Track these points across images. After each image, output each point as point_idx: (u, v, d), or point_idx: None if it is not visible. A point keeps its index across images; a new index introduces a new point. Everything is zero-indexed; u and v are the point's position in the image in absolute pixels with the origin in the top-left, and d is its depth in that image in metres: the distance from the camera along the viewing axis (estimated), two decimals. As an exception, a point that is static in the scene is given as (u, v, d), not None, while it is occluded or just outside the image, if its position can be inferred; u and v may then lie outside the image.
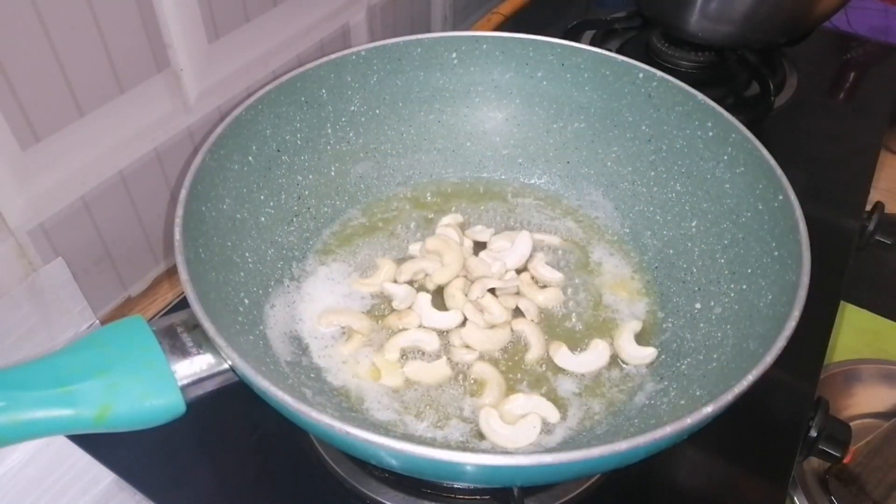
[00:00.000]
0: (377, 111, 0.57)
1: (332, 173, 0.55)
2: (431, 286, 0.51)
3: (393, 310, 0.49)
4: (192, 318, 0.37)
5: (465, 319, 0.48)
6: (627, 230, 0.55)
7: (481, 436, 0.43)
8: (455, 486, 0.45)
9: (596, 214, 0.57)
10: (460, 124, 0.59)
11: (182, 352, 0.36)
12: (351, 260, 0.53)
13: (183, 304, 0.38)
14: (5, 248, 0.45)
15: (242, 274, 0.46)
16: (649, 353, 0.47)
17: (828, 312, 0.57)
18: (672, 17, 0.73)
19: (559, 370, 0.47)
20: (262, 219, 0.50)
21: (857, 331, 1.00)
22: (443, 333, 0.48)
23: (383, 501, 0.44)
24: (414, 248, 0.54)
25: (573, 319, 0.50)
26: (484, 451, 0.41)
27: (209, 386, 0.37)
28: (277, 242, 0.51)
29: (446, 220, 0.56)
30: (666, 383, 0.44)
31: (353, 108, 0.55)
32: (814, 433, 0.50)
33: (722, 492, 0.47)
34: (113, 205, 0.51)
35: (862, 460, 0.76)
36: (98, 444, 0.47)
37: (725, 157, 0.49)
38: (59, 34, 0.42)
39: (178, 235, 0.39)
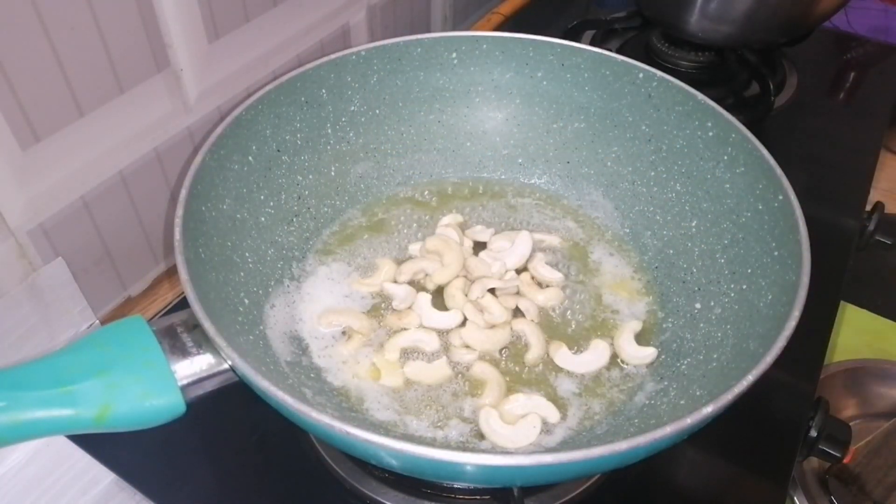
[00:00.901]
0: (377, 111, 0.57)
1: (332, 173, 0.55)
2: (431, 286, 0.51)
3: (393, 310, 0.49)
4: (192, 318, 0.37)
5: (465, 319, 0.48)
6: (627, 230, 0.55)
7: (481, 436, 0.43)
8: (455, 486, 0.45)
9: (596, 214, 0.57)
10: (460, 124, 0.59)
11: (182, 352, 0.36)
12: (351, 260, 0.53)
13: (183, 304, 0.38)
14: (5, 248, 0.45)
15: (242, 274, 0.46)
16: (649, 353, 0.47)
17: (828, 312, 0.57)
18: (672, 17, 0.73)
19: (559, 370, 0.47)
20: (262, 219, 0.50)
21: (857, 331, 1.00)
22: (443, 333, 0.48)
23: (383, 501, 0.44)
24: (414, 248, 0.54)
25: (573, 319, 0.50)
26: (484, 451, 0.41)
27: (209, 386, 0.37)
28: (277, 242, 0.51)
29: (446, 220, 0.56)
30: (666, 383, 0.44)
31: (353, 108, 0.55)
32: (814, 433, 0.50)
33: (722, 492, 0.47)
34: (113, 205, 0.51)
35: (862, 460, 0.76)
36: (98, 444, 0.47)
37: (725, 157, 0.49)
38: (59, 34, 0.42)
39: (178, 235, 0.39)
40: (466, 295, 0.49)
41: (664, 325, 0.49)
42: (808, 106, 0.79)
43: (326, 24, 0.65)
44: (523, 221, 0.57)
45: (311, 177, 0.54)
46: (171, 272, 0.60)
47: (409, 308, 0.49)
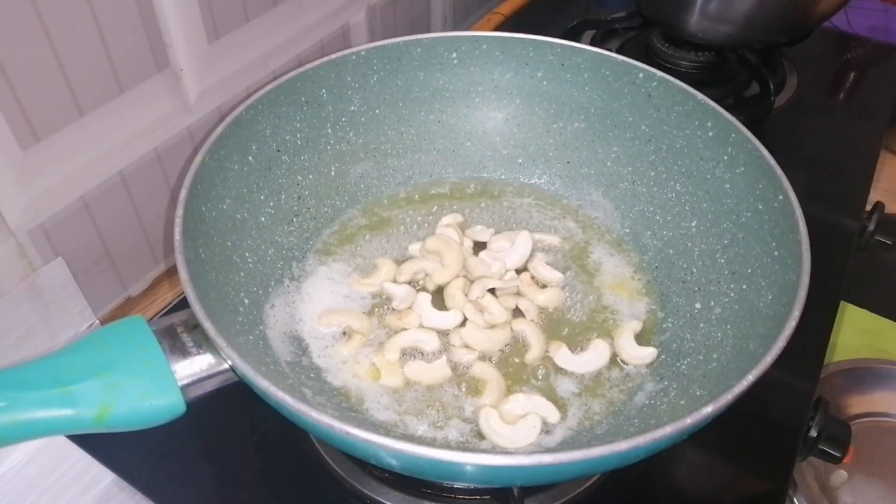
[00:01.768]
0: (377, 111, 0.57)
1: (332, 173, 0.55)
2: (431, 286, 0.51)
3: (393, 310, 0.49)
4: (192, 318, 0.37)
5: (465, 319, 0.48)
6: (627, 230, 0.55)
7: (481, 436, 0.43)
8: (455, 486, 0.45)
9: (596, 214, 0.57)
10: (460, 124, 0.59)
11: (182, 352, 0.36)
12: (351, 260, 0.53)
13: (183, 304, 0.38)
14: (5, 248, 0.45)
15: (242, 274, 0.46)
16: (649, 353, 0.47)
17: (828, 312, 0.57)
18: (672, 17, 0.73)
19: (559, 370, 0.47)
20: (262, 219, 0.50)
21: (857, 331, 1.00)
22: (443, 333, 0.48)
23: (383, 501, 0.44)
24: (414, 248, 0.54)
25: (573, 319, 0.50)
26: (484, 451, 0.41)
27: (209, 386, 0.37)
28: (277, 242, 0.51)
29: (446, 220, 0.56)
30: (666, 383, 0.44)
31: (353, 108, 0.55)
32: (814, 433, 0.50)
33: (722, 492, 0.47)
34: (113, 205, 0.51)
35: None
36: (98, 444, 0.47)
37: (725, 157, 0.49)
38: (59, 34, 0.42)
39: (178, 235, 0.39)
40: (466, 295, 0.49)
41: (664, 325, 0.49)
42: (808, 106, 0.79)
43: (326, 24, 0.65)
44: (523, 221, 0.57)
45: (311, 177, 0.54)
46: (171, 272, 0.60)
47: (409, 308, 0.49)
